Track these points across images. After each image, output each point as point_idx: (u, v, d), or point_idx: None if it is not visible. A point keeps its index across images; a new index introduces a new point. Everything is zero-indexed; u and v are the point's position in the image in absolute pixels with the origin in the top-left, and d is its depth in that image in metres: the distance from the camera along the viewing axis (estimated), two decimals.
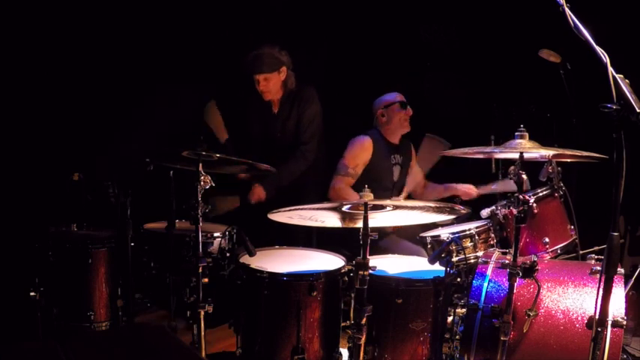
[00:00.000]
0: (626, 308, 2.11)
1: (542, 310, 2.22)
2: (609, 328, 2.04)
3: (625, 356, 2.90)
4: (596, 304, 1.75)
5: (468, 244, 2.78)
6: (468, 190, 3.60)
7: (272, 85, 3.54)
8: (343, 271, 2.65)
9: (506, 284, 2.20)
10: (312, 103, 3.63)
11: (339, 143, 3.65)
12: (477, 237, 2.78)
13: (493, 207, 2.66)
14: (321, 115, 3.66)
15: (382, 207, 2.40)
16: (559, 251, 2.58)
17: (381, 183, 3.53)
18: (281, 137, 3.65)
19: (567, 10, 1.71)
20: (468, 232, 2.79)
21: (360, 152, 3.52)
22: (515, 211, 2.20)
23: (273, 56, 3.50)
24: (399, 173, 3.68)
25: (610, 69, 1.63)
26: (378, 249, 3.09)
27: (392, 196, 3.60)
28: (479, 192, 3.59)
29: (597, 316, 1.74)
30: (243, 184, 3.62)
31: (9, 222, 3.28)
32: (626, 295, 2.19)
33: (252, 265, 2.65)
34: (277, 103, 3.64)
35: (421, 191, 3.74)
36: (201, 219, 2.58)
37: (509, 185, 3.37)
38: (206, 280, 2.61)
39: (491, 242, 2.81)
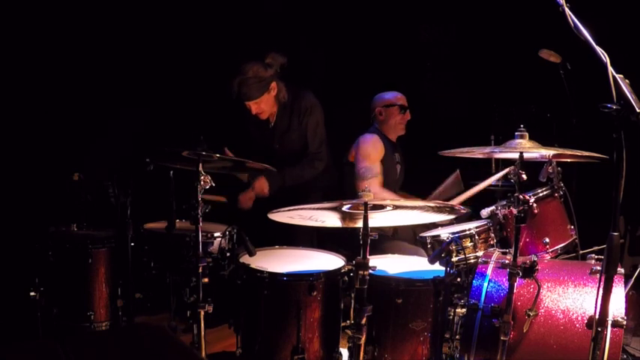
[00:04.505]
0: (626, 308, 2.11)
1: (542, 310, 2.22)
2: (609, 328, 2.04)
3: (625, 356, 2.90)
4: (596, 304, 1.75)
5: (468, 244, 2.77)
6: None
7: (264, 105, 3.46)
8: (343, 271, 2.65)
9: (506, 284, 2.20)
10: (313, 112, 3.55)
11: (341, 144, 3.65)
12: (476, 237, 2.78)
13: (493, 207, 2.66)
14: (324, 120, 3.62)
15: (382, 207, 2.40)
16: (559, 251, 2.58)
17: (388, 182, 3.53)
18: (280, 148, 3.61)
19: (567, 10, 1.71)
20: (467, 232, 2.78)
21: (376, 150, 3.49)
22: (515, 211, 2.20)
23: (258, 78, 3.36)
24: (399, 172, 3.68)
25: (610, 69, 1.63)
26: (377, 251, 3.09)
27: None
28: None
29: (597, 316, 1.74)
30: (231, 185, 3.58)
31: (9, 222, 3.28)
32: (626, 295, 2.19)
33: (253, 265, 2.65)
34: (273, 117, 3.59)
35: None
36: (201, 219, 2.58)
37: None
38: (206, 280, 2.61)
39: (491, 242, 2.80)
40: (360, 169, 3.45)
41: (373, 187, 3.36)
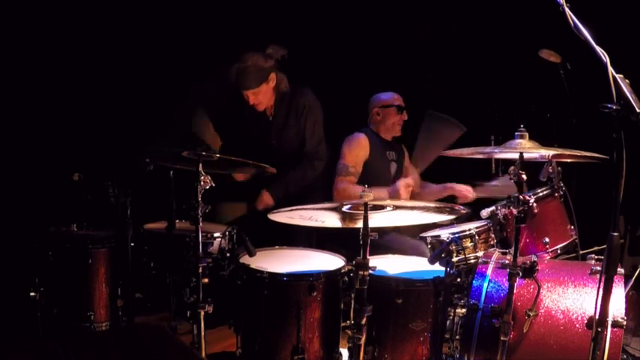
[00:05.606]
0: (626, 308, 2.11)
1: (542, 310, 2.22)
2: (609, 328, 2.04)
3: (625, 356, 2.90)
4: (596, 304, 1.75)
5: (468, 244, 2.77)
6: (466, 192, 3.55)
7: (262, 96, 3.43)
8: (343, 271, 2.65)
9: (506, 284, 2.20)
10: (311, 109, 3.52)
11: (340, 143, 3.64)
12: (477, 237, 2.78)
13: (493, 207, 2.66)
14: (322, 119, 3.60)
15: (382, 207, 2.40)
16: (559, 251, 2.57)
17: (380, 181, 3.53)
18: (277, 144, 3.59)
19: (567, 10, 1.71)
20: (468, 232, 2.78)
21: (359, 150, 3.51)
22: (515, 211, 2.19)
23: (258, 67, 3.35)
24: (396, 170, 3.68)
25: (610, 69, 1.63)
26: (379, 246, 3.08)
27: None
28: (477, 195, 3.54)
29: (597, 316, 1.74)
30: (249, 190, 3.57)
31: (9, 222, 3.28)
32: (626, 295, 2.19)
33: (253, 266, 2.65)
34: (271, 109, 3.56)
35: (417, 190, 3.68)
36: (201, 219, 2.58)
37: (507, 184, 3.36)
38: (206, 280, 2.61)
39: (492, 242, 2.80)
40: (338, 165, 3.53)
41: (342, 184, 3.44)
